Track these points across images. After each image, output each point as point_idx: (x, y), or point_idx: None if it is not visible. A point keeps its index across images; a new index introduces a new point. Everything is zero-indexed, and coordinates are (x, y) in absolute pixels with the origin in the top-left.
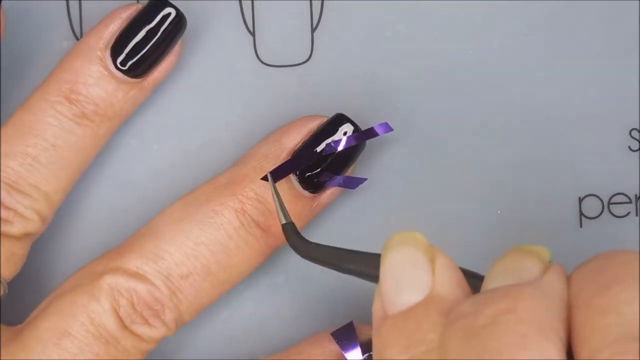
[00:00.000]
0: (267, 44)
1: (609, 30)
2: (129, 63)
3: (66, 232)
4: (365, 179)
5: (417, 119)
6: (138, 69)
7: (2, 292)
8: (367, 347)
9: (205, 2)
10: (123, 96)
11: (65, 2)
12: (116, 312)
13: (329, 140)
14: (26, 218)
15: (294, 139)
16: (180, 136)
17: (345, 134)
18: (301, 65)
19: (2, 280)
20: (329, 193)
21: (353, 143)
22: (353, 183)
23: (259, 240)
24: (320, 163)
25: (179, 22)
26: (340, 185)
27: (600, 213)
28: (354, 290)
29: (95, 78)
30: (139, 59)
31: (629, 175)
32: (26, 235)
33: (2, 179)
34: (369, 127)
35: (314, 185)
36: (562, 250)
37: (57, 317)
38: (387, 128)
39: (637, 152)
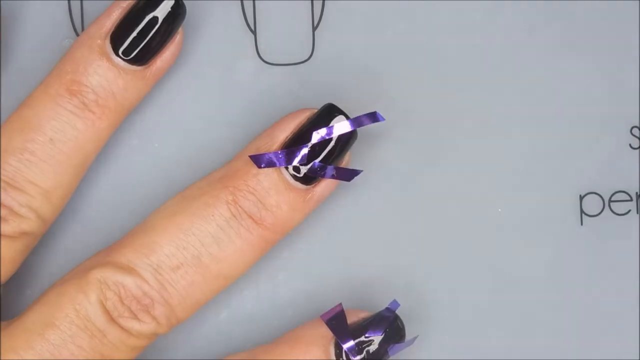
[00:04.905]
0: (268, 43)
1: (609, 29)
2: (129, 50)
3: (66, 231)
4: (360, 171)
5: (417, 117)
6: (138, 56)
7: None
8: (355, 332)
9: (206, 1)
10: (124, 85)
11: (67, 1)
12: (103, 305)
13: (319, 130)
14: (22, 216)
15: (285, 131)
16: (181, 135)
17: (335, 123)
18: (302, 64)
19: None
20: (324, 186)
21: (342, 131)
22: (347, 175)
23: (251, 232)
24: (311, 155)
25: (179, 9)
26: (334, 177)
27: (601, 211)
28: (355, 289)
29: (96, 66)
30: (138, 46)
31: (630, 173)
32: (23, 234)
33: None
34: (359, 114)
35: (305, 177)
36: (563, 248)
37: (44, 308)
38: (377, 117)
39: (638, 150)
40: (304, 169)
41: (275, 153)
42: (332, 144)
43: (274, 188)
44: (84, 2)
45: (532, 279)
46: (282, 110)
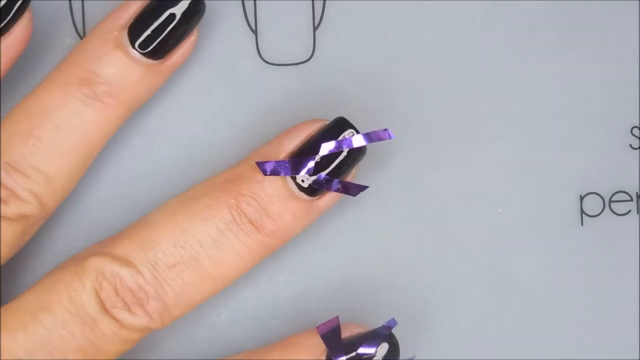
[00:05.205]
0: (269, 43)
1: (609, 29)
2: (146, 44)
3: (68, 230)
4: (366, 187)
5: (417, 117)
6: (155, 50)
7: None
8: (348, 347)
9: (207, 1)
10: (138, 78)
11: (67, 0)
12: (97, 294)
13: (328, 142)
14: (23, 200)
15: (293, 141)
16: (182, 135)
17: (345, 137)
18: (303, 64)
19: None
20: (328, 198)
21: (352, 146)
22: (353, 190)
23: (251, 238)
24: (318, 166)
25: (198, 5)
26: (339, 191)
27: (602, 211)
28: (355, 290)
29: (110, 57)
30: (156, 40)
31: (630, 173)
32: (22, 218)
33: (3, 158)
34: (370, 131)
35: (310, 188)
36: (564, 248)
37: (39, 292)
38: (388, 134)
39: (638, 150)
40: (309, 180)
41: (282, 162)
42: (340, 157)
43: (278, 196)
44: (85, 2)
45: (533, 279)
46: (283, 110)
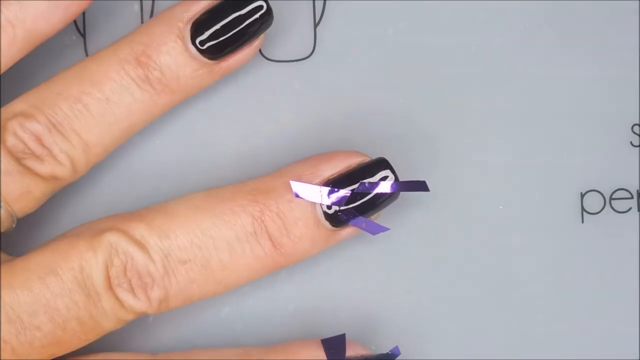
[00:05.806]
0: (269, 39)
1: (609, 29)
2: (207, 44)
3: (68, 225)
4: (387, 229)
5: (417, 115)
6: (214, 52)
7: (9, 225)
8: None
9: None
10: (191, 72)
11: None
12: (107, 270)
13: (365, 181)
14: (58, 161)
15: (331, 169)
16: (182, 131)
17: (382, 179)
18: (303, 61)
19: (11, 212)
20: (348, 231)
21: (387, 191)
22: (374, 229)
23: (266, 254)
24: (349, 201)
25: (268, 16)
26: (361, 227)
27: (602, 208)
28: (356, 287)
29: (169, 47)
30: (218, 42)
31: (631, 170)
32: (53, 178)
33: (47, 116)
34: (409, 180)
35: (336, 219)
36: (564, 246)
37: (50, 254)
38: (425, 186)
39: (639, 148)
40: (335, 210)
41: (317, 188)
42: (373, 197)
43: (304, 220)
44: None
45: (533, 277)
46: (283, 107)
